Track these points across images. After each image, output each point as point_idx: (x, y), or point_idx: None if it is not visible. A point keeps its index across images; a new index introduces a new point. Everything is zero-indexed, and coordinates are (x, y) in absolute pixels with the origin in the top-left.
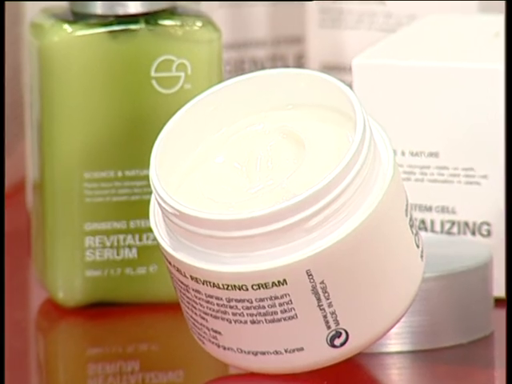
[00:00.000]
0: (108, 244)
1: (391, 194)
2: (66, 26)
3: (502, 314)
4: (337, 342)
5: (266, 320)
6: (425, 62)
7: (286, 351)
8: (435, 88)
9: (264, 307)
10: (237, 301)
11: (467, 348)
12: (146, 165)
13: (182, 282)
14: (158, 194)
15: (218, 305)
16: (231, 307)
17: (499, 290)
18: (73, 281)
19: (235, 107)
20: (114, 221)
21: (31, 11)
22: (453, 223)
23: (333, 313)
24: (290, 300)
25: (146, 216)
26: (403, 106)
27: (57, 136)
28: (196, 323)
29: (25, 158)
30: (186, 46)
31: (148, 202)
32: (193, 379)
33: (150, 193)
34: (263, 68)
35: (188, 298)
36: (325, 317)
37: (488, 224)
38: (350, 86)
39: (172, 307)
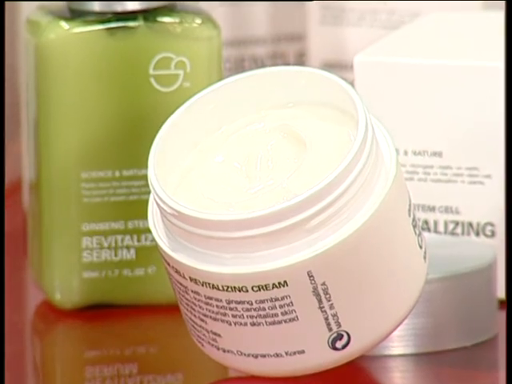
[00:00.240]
0: (106, 245)
1: (394, 194)
2: (63, 23)
3: None
4: (338, 344)
5: (266, 322)
6: (428, 60)
7: (286, 354)
8: (438, 86)
9: (264, 309)
10: (237, 302)
11: (471, 351)
12: (145, 164)
13: (180, 284)
14: (157, 194)
15: (217, 306)
16: (231, 309)
17: (504, 292)
18: (70, 282)
19: (235, 105)
20: (111, 221)
21: (27, 8)
22: (456, 223)
23: (334, 315)
24: (291, 302)
25: (145, 216)
26: (406, 104)
27: (53, 135)
28: (195, 325)
29: (21, 158)
30: (185, 44)
31: (146, 202)
32: (192, 382)
33: (149, 193)
34: (263, 66)
35: (187, 299)
36: (326, 319)
37: (492, 224)
38: (352, 83)
39: (171, 309)
